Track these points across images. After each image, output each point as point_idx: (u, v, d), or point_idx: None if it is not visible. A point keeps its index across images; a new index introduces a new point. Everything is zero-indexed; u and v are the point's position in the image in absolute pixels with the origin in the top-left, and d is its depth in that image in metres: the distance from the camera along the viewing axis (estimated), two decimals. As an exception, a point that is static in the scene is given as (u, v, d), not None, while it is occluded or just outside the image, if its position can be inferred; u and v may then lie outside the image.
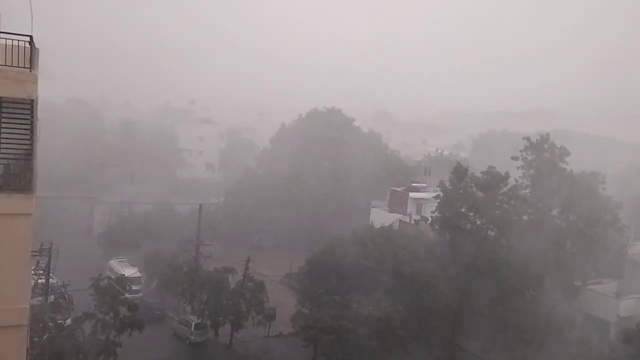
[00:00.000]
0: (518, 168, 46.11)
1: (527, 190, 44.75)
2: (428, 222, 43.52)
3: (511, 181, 42.82)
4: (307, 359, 33.74)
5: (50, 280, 29.00)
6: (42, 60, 14.51)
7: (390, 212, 58.35)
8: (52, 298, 28.88)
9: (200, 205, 45.90)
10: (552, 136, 47.39)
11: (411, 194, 58.24)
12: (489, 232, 41.17)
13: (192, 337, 38.69)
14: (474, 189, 41.36)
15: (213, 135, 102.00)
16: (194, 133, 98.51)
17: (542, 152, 45.40)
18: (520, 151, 46.25)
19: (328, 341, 31.14)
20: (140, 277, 45.89)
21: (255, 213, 62.49)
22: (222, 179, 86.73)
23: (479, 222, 40.74)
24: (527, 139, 46.32)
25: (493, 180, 41.29)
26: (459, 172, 42.15)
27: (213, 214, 58.17)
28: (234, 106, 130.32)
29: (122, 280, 29.54)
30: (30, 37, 13.45)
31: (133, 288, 41.70)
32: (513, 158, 46.26)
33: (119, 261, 48.45)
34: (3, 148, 13.12)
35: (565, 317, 42.30)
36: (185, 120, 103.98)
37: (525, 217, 43.35)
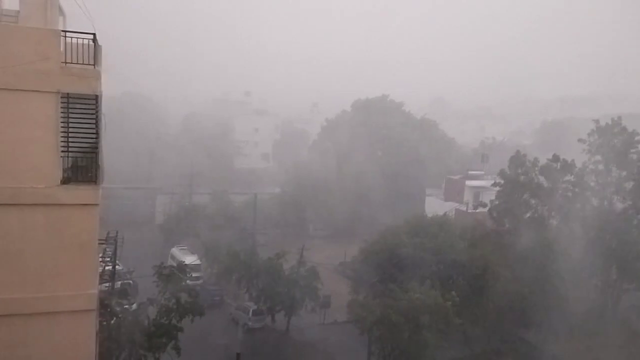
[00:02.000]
0: (582, 152, 43.75)
1: (593, 177, 42.71)
2: (487, 208, 42.46)
3: (576, 167, 41.04)
4: (363, 346, 33.84)
5: (117, 267, 30.34)
6: (105, 55, 15.11)
7: (446, 200, 57.42)
8: (118, 284, 30.23)
9: (256, 195, 46.71)
10: (623, 121, 44.87)
11: (468, 182, 57.04)
12: (551, 220, 39.84)
13: (250, 323, 39.61)
14: (536, 176, 39.98)
15: (268, 127, 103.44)
16: (250, 124, 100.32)
17: (611, 137, 42.81)
18: (588, 134, 43.77)
19: (381, 332, 31.03)
20: (200, 264, 47.36)
21: (309, 202, 62.97)
22: (277, 169, 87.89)
23: (540, 210, 39.45)
24: (597, 121, 43.71)
25: (560, 167, 39.75)
26: (518, 159, 40.93)
27: (268, 203, 59.07)
28: (289, 97, 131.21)
29: (183, 267, 30.52)
30: (94, 34, 14.00)
31: (193, 275, 43.14)
32: (580, 140, 43.79)
33: (180, 249, 50.10)
34: (71, 142, 13.80)
35: (634, 308, 40.54)
36: (242, 112, 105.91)
37: (591, 204, 41.54)
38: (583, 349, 35.68)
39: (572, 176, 40.01)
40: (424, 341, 29.98)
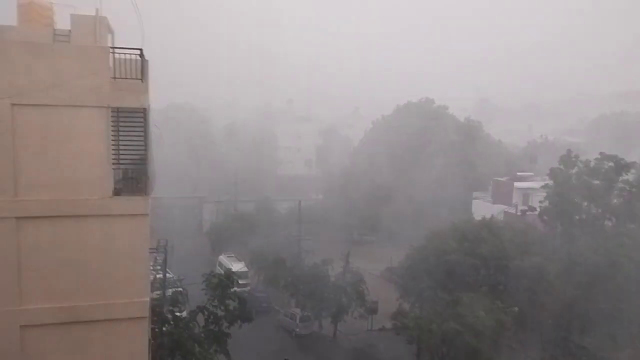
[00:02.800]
0: None
1: None
2: (536, 212, 41.16)
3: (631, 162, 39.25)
4: (411, 354, 33.36)
5: (167, 275, 31.01)
6: (152, 70, 15.54)
7: (494, 203, 56.05)
8: (169, 292, 30.85)
9: (300, 201, 46.89)
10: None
11: (516, 184, 55.52)
12: (606, 222, 38.20)
13: (297, 330, 39.70)
14: (587, 176, 38.42)
15: (310, 133, 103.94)
16: (293, 131, 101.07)
17: None
18: None
19: (431, 341, 30.44)
20: (247, 271, 47.87)
21: (354, 208, 62.77)
22: (320, 175, 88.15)
23: (594, 212, 37.87)
24: None
25: (615, 166, 38.05)
26: (568, 159, 39.48)
27: (312, 209, 59.23)
28: (331, 103, 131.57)
29: (231, 275, 30.92)
30: (141, 50, 14.44)
31: (241, 282, 43.62)
32: None
33: (228, 256, 50.83)
34: (121, 155, 14.25)
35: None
36: (284, 119, 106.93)
37: None
38: (642, 357, 33.98)
39: (629, 174, 38.22)
40: (480, 350, 29.23)
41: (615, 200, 37.94)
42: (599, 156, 39.78)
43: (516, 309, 30.13)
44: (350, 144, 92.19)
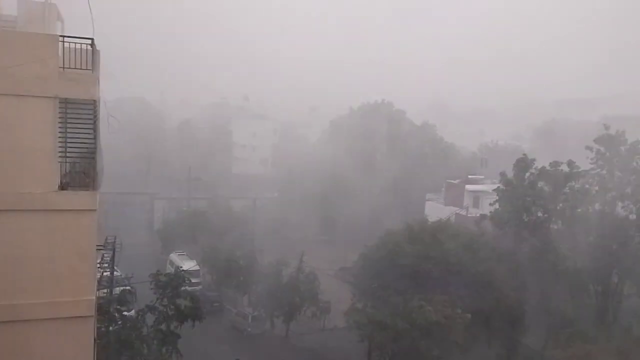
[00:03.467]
0: (586, 157, 43.49)
1: (595, 180, 42.61)
2: (486, 215, 42.30)
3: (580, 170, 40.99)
4: (363, 353, 33.66)
5: (115, 273, 30.16)
6: (102, 60, 15.05)
7: (446, 205, 57.34)
8: (117, 290, 30.04)
9: (255, 200, 46.56)
10: (616, 123, 44.80)
11: (467, 187, 56.97)
12: (552, 225, 39.73)
13: (249, 329, 39.42)
14: (540, 182, 39.75)
15: (267, 131, 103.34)
16: (248, 129, 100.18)
17: (616, 145, 42.76)
18: (594, 141, 43.54)
19: (382, 339, 30.83)
20: (198, 270, 47.14)
21: (308, 208, 62.86)
22: (276, 174, 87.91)
23: (540, 215, 39.28)
24: (607, 127, 43.38)
25: (565, 174, 39.60)
26: (523, 163, 40.62)
27: (267, 208, 58.98)
28: (287, 101, 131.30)
29: (181, 274, 30.40)
30: (92, 39, 13.95)
31: (192, 281, 42.92)
32: (587, 148, 43.55)
33: (179, 254, 49.94)
34: (69, 148, 13.71)
35: (636, 313, 40.35)
36: (240, 116, 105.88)
37: (593, 208, 41.38)
38: (583, 354, 35.45)
39: (576, 182, 39.91)
40: (428, 348, 29.82)
41: (561, 205, 39.46)
42: (544, 161, 41.31)
43: (469, 315, 30.79)
44: (306, 143, 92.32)
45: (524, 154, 42.43)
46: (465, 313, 30.88)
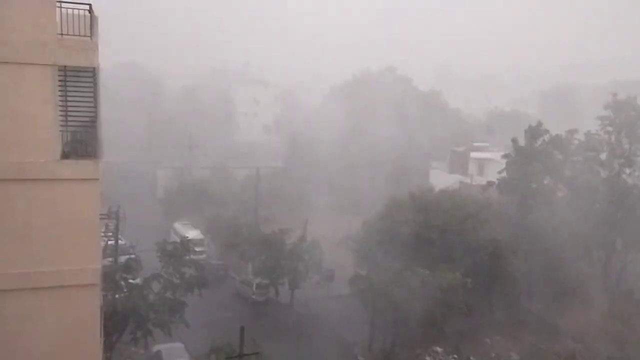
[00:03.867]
0: (595, 121, 42.81)
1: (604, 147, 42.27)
2: (493, 184, 42.02)
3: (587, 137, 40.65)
4: (366, 319, 34.01)
5: (119, 242, 30.32)
6: (101, 27, 14.69)
7: (451, 173, 57.16)
8: (121, 259, 30.24)
9: (258, 168, 46.38)
10: (624, 87, 44.15)
11: (472, 154, 56.63)
12: (559, 193, 39.65)
13: (254, 297, 39.78)
14: (551, 149, 39.45)
15: (268, 98, 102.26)
16: (250, 95, 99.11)
17: (626, 111, 42.11)
18: (604, 108, 42.87)
19: (384, 306, 31.02)
20: (203, 239, 47.35)
21: (312, 175, 62.70)
22: (279, 142, 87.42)
23: (546, 182, 39.13)
24: (614, 94, 42.71)
25: (581, 142, 39.30)
26: (535, 130, 40.14)
27: (271, 177, 58.81)
28: (290, 67, 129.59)
29: (187, 243, 30.53)
30: (89, 5, 13.59)
31: (196, 250, 43.17)
32: (600, 118, 42.91)
33: (183, 224, 50.06)
34: (69, 116, 13.49)
35: (638, 278, 40.61)
36: (241, 82, 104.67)
37: (600, 177, 41.20)
38: (585, 320, 35.87)
39: (585, 150, 39.69)
40: (432, 315, 30.10)
41: (568, 173, 39.30)
42: (551, 127, 40.88)
43: (469, 280, 30.90)
44: (309, 109, 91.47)
45: (539, 122, 41.80)
46: (465, 278, 31.01)
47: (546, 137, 39.81)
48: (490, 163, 49.49)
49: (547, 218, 36.98)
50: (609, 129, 41.83)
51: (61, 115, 13.28)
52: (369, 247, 37.09)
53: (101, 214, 17.45)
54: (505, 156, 41.40)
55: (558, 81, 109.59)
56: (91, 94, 13.58)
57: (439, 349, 33.84)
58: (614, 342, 33.49)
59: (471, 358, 33.33)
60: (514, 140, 40.81)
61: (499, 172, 41.16)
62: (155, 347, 29.13)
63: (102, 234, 25.18)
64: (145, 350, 29.91)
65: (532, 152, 39.63)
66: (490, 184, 41.94)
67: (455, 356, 33.46)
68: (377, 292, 31.35)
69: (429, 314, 30.48)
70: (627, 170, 41.46)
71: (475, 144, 58.58)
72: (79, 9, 13.43)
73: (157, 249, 29.56)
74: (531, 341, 34.56)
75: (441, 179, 52.33)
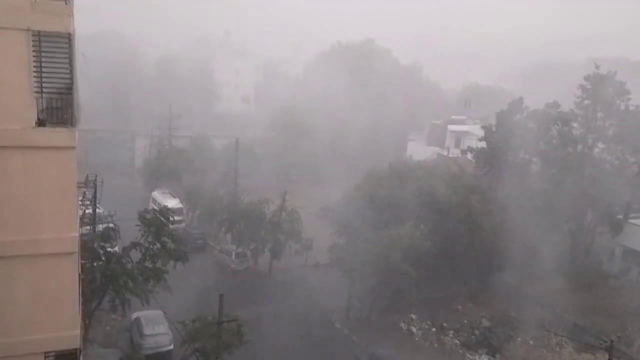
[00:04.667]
0: (573, 96, 43.29)
1: (576, 124, 42.95)
2: (471, 153, 42.63)
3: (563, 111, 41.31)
4: (343, 287, 34.73)
5: (97, 210, 30.20)
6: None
7: (428, 145, 57.71)
8: (100, 227, 30.18)
9: (237, 139, 46.27)
10: (602, 65, 44.52)
11: (450, 127, 57.19)
12: (532, 166, 40.44)
13: (233, 265, 40.21)
14: (530, 124, 40.17)
15: (249, 68, 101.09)
16: (230, 66, 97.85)
17: (602, 88, 42.57)
18: (584, 78, 43.15)
19: (364, 272, 31.75)
20: (182, 208, 47.39)
21: (291, 146, 62.71)
22: (259, 112, 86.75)
23: (522, 156, 39.90)
24: (597, 66, 42.92)
25: (556, 114, 39.96)
26: (517, 105, 40.95)
27: (249, 147, 58.66)
28: (270, 37, 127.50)
29: (166, 211, 30.51)
30: (64, -32, 13.30)
31: (176, 219, 43.19)
32: (580, 87, 43.14)
33: (162, 193, 49.93)
34: (44, 83, 13.34)
35: (605, 251, 41.98)
36: (221, 53, 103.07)
37: (572, 149, 42.02)
38: (556, 290, 37.11)
39: (561, 125, 40.35)
40: (408, 280, 30.89)
41: (542, 146, 40.03)
42: (530, 101, 41.51)
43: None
44: (289, 81, 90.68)
45: (520, 97, 42.38)
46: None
47: (525, 112, 40.46)
48: (467, 136, 50.09)
49: (520, 190, 37.81)
50: (587, 102, 42.30)
51: (36, 82, 13.11)
52: (346, 215, 37.63)
53: (79, 182, 17.41)
54: (484, 127, 42.01)
55: (537, 57, 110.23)
56: (67, 61, 13.41)
57: (413, 316, 34.83)
58: (581, 310, 34.85)
59: (444, 324, 34.39)
60: (499, 114, 41.46)
61: (479, 140, 41.81)
62: (135, 314, 29.45)
63: (80, 203, 25.06)
64: (124, 317, 30.22)
65: (511, 125, 40.32)
66: (464, 152, 42.66)
67: (429, 322, 34.50)
68: (353, 258, 31.98)
69: (402, 277, 31.24)
70: (600, 145, 42.36)
71: (453, 117, 59.10)
72: (53, -27, 13.14)
73: (137, 217, 29.53)
74: (502, 309, 35.74)
75: (419, 151, 52.88)
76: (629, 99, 41.42)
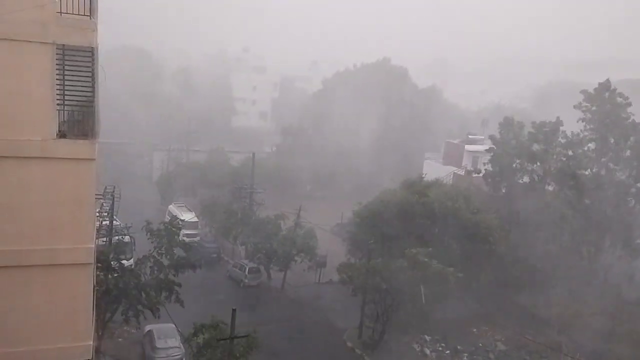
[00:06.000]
0: (578, 121, 43.44)
1: (591, 145, 42.56)
2: (481, 174, 42.50)
3: (571, 133, 41.00)
4: (356, 305, 34.41)
5: (114, 222, 30.48)
6: (101, 8, 14.71)
7: (445, 164, 57.35)
8: (116, 239, 30.43)
9: (254, 154, 46.53)
10: (621, 86, 44.23)
11: (467, 147, 56.82)
12: (547, 186, 39.96)
13: (246, 280, 40.13)
14: (528, 140, 39.96)
15: (266, 84, 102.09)
16: (248, 82, 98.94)
17: (603, 102, 42.29)
18: (580, 102, 43.19)
19: (374, 284, 31.15)
20: (197, 222, 47.61)
21: (307, 163, 62.87)
22: (275, 128, 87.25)
23: (536, 177, 39.49)
24: (585, 91, 43.15)
25: (549, 131, 39.77)
26: (507, 124, 41.00)
27: (265, 162, 58.95)
28: (288, 54, 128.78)
29: (177, 223, 30.70)
30: (89, -16, 13.59)
31: (191, 232, 43.37)
32: (576, 107, 43.36)
33: (178, 206, 50.25)
34: (67, 96, 13.55)
35: (625, 275, 41.15)
36: (239, 68, 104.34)
37: (586, 172, 41.55)
38: (571, 313, 36.34)
39: (564, 140, 40.10)
40: (421, 301, 30.44)
41: (553, 168, 39.64)
42: (536, 123, 41.29)
43: (460, 275, 31.07)
44: (306, 97, 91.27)
45: (507, 117, 42.53)
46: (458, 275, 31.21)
47: (529, 130, 40.32)
48: (484, 155, 49.74)
49: (535, 211, 37.34)
50: (591, 126, 42.08)
51: (58, 94, 13.33)
52: (360, 232, 37.40)
53: (96, 194, 17.60)
54: (489, 150, 41.99)
55: (554, 78, 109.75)
56: (89, 74, 13.64)
57: (427, 337, 34.32)
58: (598, 335, 34.05)
59: (458, 347, 33.82)
60: (492, 136, 41.47)
61: (485, 164, 41.70)
62: (147, 327, 29.46)
63: (97, 214, 25.31)
64: (138, 329, 30.25)
65: (508, 144, 40.27)
66: (477, 170, 42.54)
67: (443, 344, 33.96)
68: (365, 276, 31.56)
69: (417, 301, 30.83)
70: (614, 166, 41.72)
71: (471, 137, 58.77)
72: (78, -12, 13.43)
73: (142, 227, 29.73)
74: (517, 332, 35.07)
75: (435, 170, 52.57)
76: (629, 113, 40.96)
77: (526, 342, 33.49)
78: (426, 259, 30.28)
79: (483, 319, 37.03)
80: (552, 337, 34.25)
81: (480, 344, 34.45)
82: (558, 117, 40.61)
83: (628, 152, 41.44)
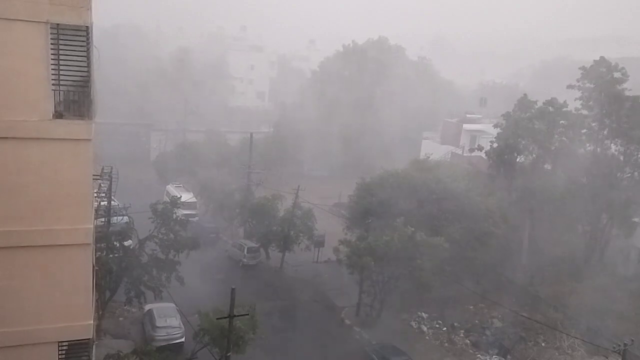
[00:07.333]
0: (575, 99, 43.09)
1: (590, 121, 42.28)
2: (483, 151, 42.24)
3: (571, 110, 40.79)
4: (354, 283, 34.70)
5: (112, 202, 30.49)
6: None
7: (442, 144, 57.29)
8: (114, 219, 30.51)
9: (251, 134, 46.39)
10: (621, 63, 43.77)
11: (465, 126, 56.71)
12: (546, 165, 39.97)
13: (244, 260, 40.37)
14: (533, 120, 39.77)
15: (264, 64, 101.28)
16: (245, 61, 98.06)
17: (599, 78, 41.82)
18: (577, 80, 42.84)
19: (369, 260, 31.34)
20: (195, 202, 47.67)
21: (304, 143, 62.72)
22: (273, 108, 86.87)
23: (534, 155, 39.44)
24: (583, 67, 42.80)
25: (554, 110, 39.55)
26: (525, 102, 40.52)
27: (263, 142, 58.82)
28: (285, 33, 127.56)
29: (176, 202, 30.79)
30: (83, -38, 13.37)
31: (189, 212, 43.49)
32: (569, 87, 42.96)
33: (176, 186, 50.26)
34: (62, 75, 13.44)
35: (620, 253, 41.39)
36: (237, 47, 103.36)
37: (584, 149, 41.44)
38: (567, 291, 36.70)
39: (566, 120, 39.87)
40: (419, 277, 30.68)
41: (555, 144, 39.53)
42: (542, 101, 41.01)
43: (447, 245, 31.31)
44: (304, 77, 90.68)
45: (524, 94, 42.00)
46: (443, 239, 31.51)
47: (534, 110, 40.04)
48: (482, 134, 49.66)
49: (532, 190, 37.39)
50: (590, 102, 41.68)
51: (53, 74, 13.22)
52: (358, 211, 37.46)
53: (94, 175, 17.59)
54: (496, 125, 41.68)
55: (553, 56, 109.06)
56: (84, 53, 13.51)
57: (424, 315, 34.70)
58: (594, 312, 34.40)
59: (455, 324, 34.20)
60: (506, 115, 41.06)
61: (491, 143, 41.47)
62: (147, 306, 29.72)
63: (95, 195, 25.32)
64: (140, 309, 30.53)
65: (519, 123, 39.98)
66: (479, 147, 42.35)
67: (440, 322, 34.35)
68: (361, 253, 31.59)
69: (412, 276, 31.05)
70: (613, 144, 41.34)
71: (468, 116, 58.58)
72: (72, -34, 13.22)
73: (149, 208, 29.83)
74: (514, 310, 35.43)
75: (433, 149, 52.52)
76: (625, 88, 40.55)
77: (522, 320, 33.85)
78: (412, 229, 30.47)
79: (480, 297, 37.38)
80: (548, 314, 34.64)
81: (477, 321, 34.84)
82: (565, 101, 40.21)
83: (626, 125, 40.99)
